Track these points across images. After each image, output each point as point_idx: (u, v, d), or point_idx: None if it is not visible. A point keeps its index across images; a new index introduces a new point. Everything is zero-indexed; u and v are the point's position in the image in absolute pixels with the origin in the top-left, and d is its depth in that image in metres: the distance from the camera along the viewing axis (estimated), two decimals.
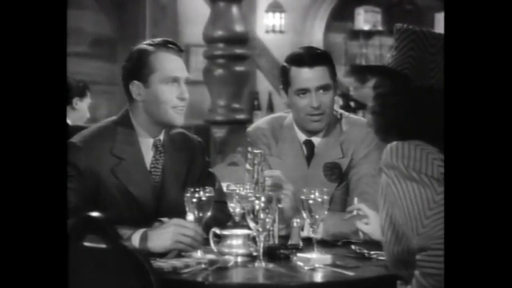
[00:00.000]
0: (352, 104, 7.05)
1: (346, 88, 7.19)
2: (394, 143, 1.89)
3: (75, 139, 2.44)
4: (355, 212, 2.47)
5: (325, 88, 2.75)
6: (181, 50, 2.56)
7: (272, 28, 7.10)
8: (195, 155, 2.65)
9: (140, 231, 2.24)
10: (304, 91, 2.76)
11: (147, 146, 2.51)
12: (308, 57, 2.76)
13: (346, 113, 2.92)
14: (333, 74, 2.79)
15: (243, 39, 6.53)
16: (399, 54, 1.95)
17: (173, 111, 2.48)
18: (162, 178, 2.52)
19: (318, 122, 2.78)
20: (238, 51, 6.49)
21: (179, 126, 2.54)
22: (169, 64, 2.49)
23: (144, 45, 2.53)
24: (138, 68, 2.48)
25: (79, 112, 4.54)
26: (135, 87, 2.49)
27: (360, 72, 2.05)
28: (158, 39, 2.56)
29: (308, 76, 2.75)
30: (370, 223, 2.40)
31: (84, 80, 4.68)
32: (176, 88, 2.48)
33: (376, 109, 1.98)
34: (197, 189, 2.27)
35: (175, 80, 2.48)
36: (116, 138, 2.48)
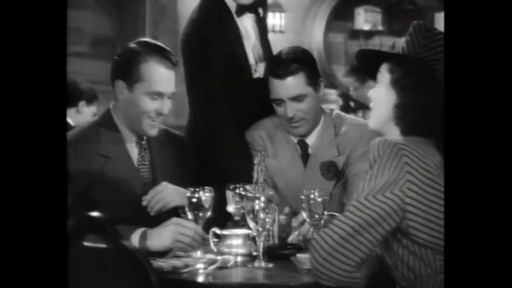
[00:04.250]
0: (352, 104, 7.04)
1: (346, 88, 7.18)
2: (383, 139, 1.91)
3: None
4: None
5: (298, 97, 2.73)
6: (175, 64, 2.51)
7: (272, 28, 7.09)
8: (181, 151, 2.65)
9: (140, 230, 2.24)
10: (278, 102, 2.76)
11: (131, 144, 2.52)
12: (279, 69, 2.74)
13: (337, 111, 2.91)
14: (311, 78, 2.75)
15: None
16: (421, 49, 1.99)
17: (148, 122, 2.47)
18: (153, 175, 2.52)
19: (298, 128, 2.78)
20: None
21: (151, 136, 2.52)
22: (158, 78, 2.45)
23: (137, 46, 2.50)
24: (126, 70, 2.46)
25: (82, 117, 4.53)
26: (120, 86, 2.48)
27: (374, 58, 2.05)
28: (152, 43, 2.53)
29: (280, 87, 2.74)
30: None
31: (94, 89, 4.68)
32: (157, 102, 2.46)
33: (402, 101, 1.98)
34: (197, 189, 2.27)
35: (159, 94, 2.46)
36: (100, 139, 2.47)
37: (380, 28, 7.50)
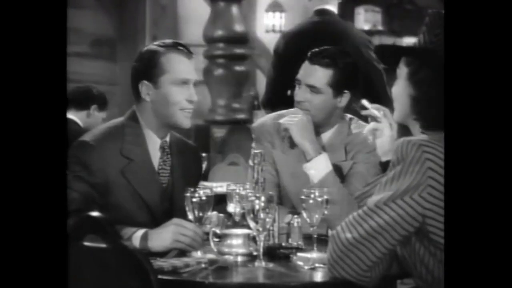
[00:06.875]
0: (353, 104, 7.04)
1: None
2: (407, 139, 1.90)
3: (87, 137, 2.44)
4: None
5: (313, 88, 2.77)
6: (191, 53, 2.55)
7: (272, 28, 7.10)
8: (195, 159, 2.68)
9: (141, 231, 2.24)
10: (298, 81, 2.82)
11: (154, 147, 2.52)
12: (316, 53, 2.79)
13: (357, 119, 2.92)
14: (335, 83, 2.77)
15: (243, 39, 6.52)
16: (429, 37, 1.97)
17: (181, 113, 2.48)
18: (172, 179, 2.53)
19: None
20: (238, 51, 6.49)
21: (186, 128, 2.54)
22: (180, 66, 2.49)
23: (154, 46, 2.54)
24: (149, 69, 2.48)
25: (93, 120, 4.56)
26: (145, 87, 2.48)
27: (392, 53, 2.05)
28: (168, 41, 2.57)
29: (304, 69, 2.81)
30: (383, 134, 2.29)
31: (105, 94, 4.73)
32: (185, 90, 2.49)
33: (419, 95, 1.97)
34: (197, 189, 2.27)
35: (185, 82, 2.49)
36: (125, 139, 2.47)
37: (380, 28, 7.50)
